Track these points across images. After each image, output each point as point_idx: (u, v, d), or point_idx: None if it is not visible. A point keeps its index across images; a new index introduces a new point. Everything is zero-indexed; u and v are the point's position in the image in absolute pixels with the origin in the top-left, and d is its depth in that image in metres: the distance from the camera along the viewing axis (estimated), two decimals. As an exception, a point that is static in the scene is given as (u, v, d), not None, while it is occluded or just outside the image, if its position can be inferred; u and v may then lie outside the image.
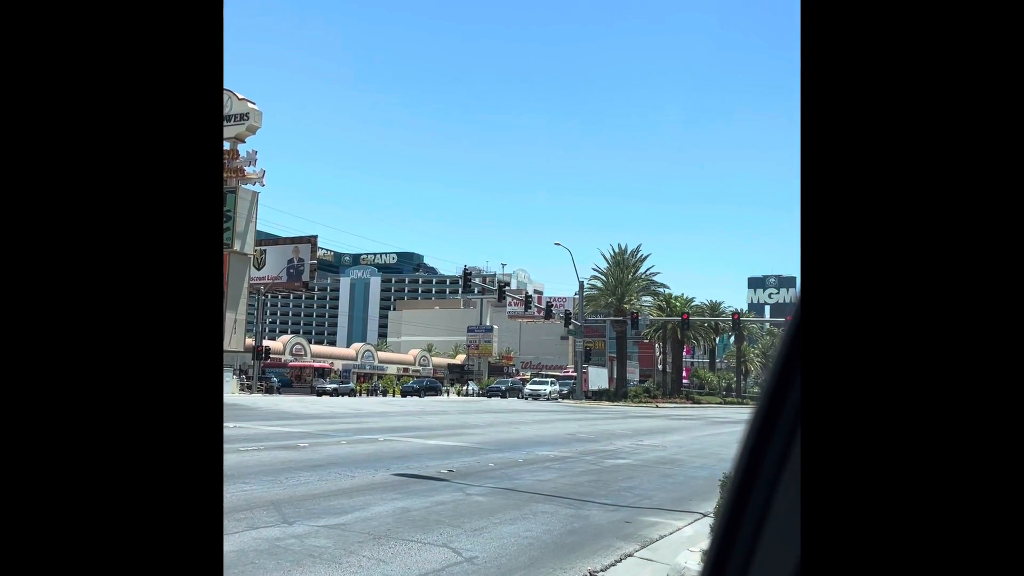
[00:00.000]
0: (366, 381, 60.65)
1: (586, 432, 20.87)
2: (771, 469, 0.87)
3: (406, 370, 76.39)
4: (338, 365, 63.02)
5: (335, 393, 49.41)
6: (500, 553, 6.14)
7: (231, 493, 8.00)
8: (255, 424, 19.17)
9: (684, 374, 69.68)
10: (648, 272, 58.24)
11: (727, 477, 1.28)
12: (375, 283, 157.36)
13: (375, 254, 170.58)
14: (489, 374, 78.72)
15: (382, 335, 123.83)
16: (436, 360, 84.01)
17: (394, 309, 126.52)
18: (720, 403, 58.62)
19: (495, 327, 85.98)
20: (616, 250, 57.69)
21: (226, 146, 42.65)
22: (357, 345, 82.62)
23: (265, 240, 56.49)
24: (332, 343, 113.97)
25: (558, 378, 62.74)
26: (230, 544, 5.83)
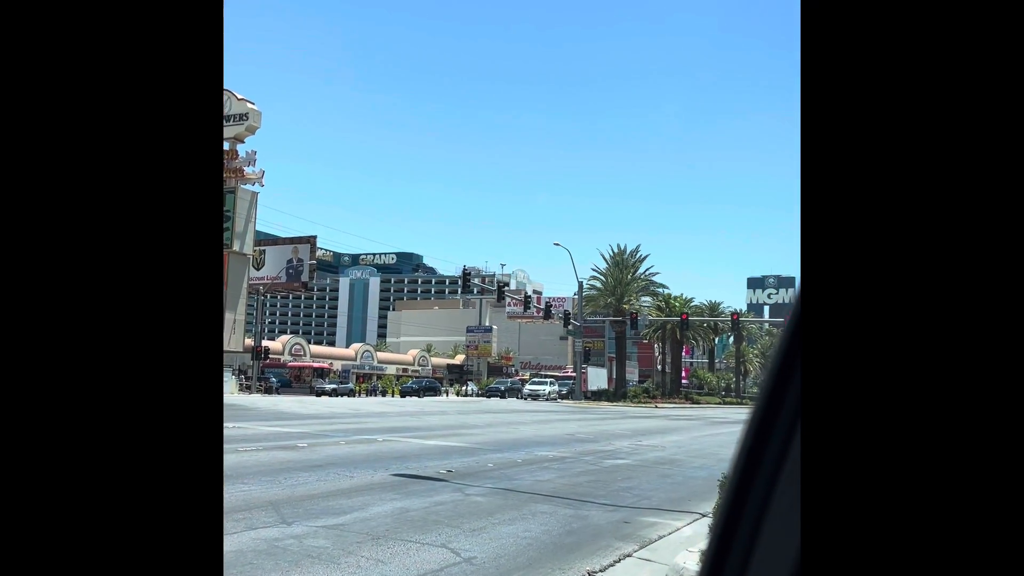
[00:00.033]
0: (365, 381, 60.62)
1: (585, 432, 20.86)
2: (769, 469, 0.87)
3: (405, 370, 76.37)
4: (337, 365, 63.00)
5: (334, 393, 49.38)
6: (499, 553, 6.14)
7: (230, 493, 7.99)
8: (254, 424, 19.16)
9: (683, 374, 69.69)
10: (647, 272, 58.31)
11: (726, 477, 1.28)
12: (374, 283, 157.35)
13: (374, 254, 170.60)
14: (488, 374, 78.70)
15: (381, 335, 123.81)
16: (435, 360, 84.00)
17: (393, 309, 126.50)
18: (719, 403, 58.63)
19: (494, 327, 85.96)
20: (615, 250, 57.74)
21: (225, 146, 42.61)
22: (356, 345, 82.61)
23: (264, 240, 56.47)
24: (331, 343, 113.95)
25: (557, 378, 62.73)
26: (228, 544, 5.82)
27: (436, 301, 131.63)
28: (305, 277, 54.99)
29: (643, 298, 59.25)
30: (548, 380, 59.09)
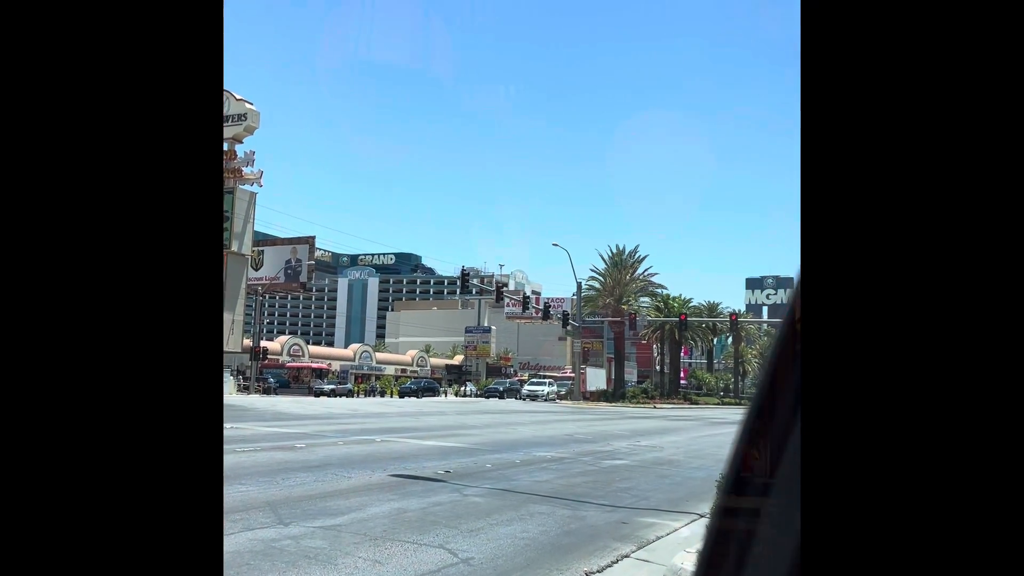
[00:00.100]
0: (364, 382, 60.60)
1: (583, 433, 20.87)
2: (764, 468, 0.86)
3: (404, 371, 76.36)
4: (336, 366, 62.99)
5: (332, 394, 49.37)
6: (497, 554, 6.13)
7: (227, 494, 7.97)
8: (252, 425, 19.15)
9: (682, 375, 69.73)
10: (646, 273, 58.35)
11: (723, 477, 1.28)
12: (373, 284, 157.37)
13: (373, 255, 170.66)
14: (487, 375, 78.70)
15: (380, 336, 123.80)
16: (434, 361, 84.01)
17: (392, 310, 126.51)
18: (718, 404, 58.69)
19: (493, 328, 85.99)
20: (614, 251, 57.77)
21: (224, 146, 42.57)
22: (355, 346, 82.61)
23: (263, 241, 56.46)
24: (330, 344, 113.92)
25: (556, 379, 62.76)
26: (226, 545, 5.81)
27: (435, 302, 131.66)
28: (304, 277, 54.98)
29: (642, 299, 59.31)
30: (547, 381, 59.11)
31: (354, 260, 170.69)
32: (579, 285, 54.03)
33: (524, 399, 52.26)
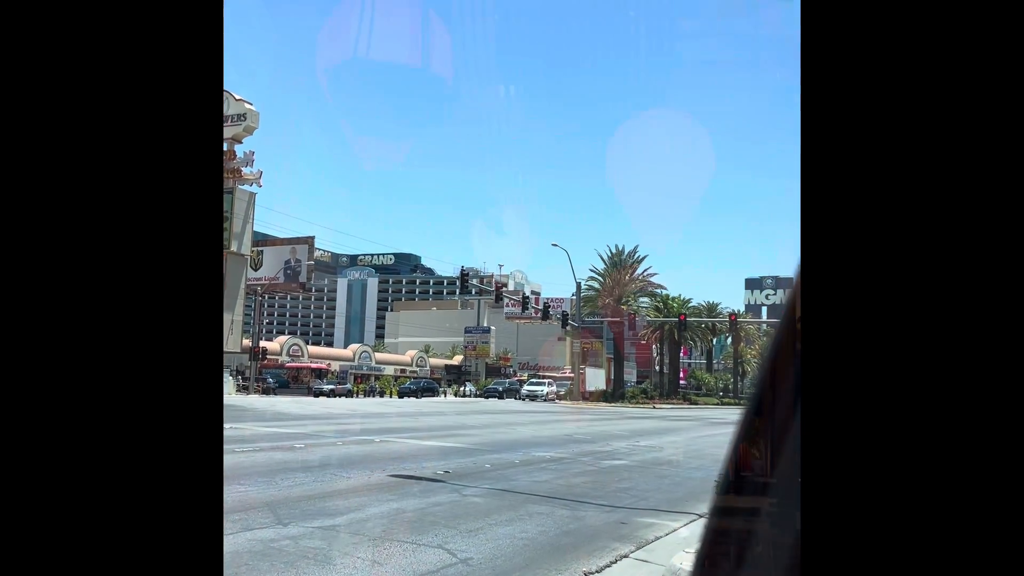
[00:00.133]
0: (363, 382, 60.59)
1: (583, 433, 20.87)
2: (761, 467, 0.86)
3: (403, 371, 76.34)
4: (335, 366, 62.96)
5: (332, 394, 49.35)
6: (495, 554, 6.13)
7: (226, 494, 7.96)
8: (251, 425, 19.14)
9: (681, 375, 69.73)
10: (645, 273, 58.37)
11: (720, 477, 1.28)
12: (372, 284, 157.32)
13: (372, 255, 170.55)
14: (486, 375, 78.67)
15: (379, 336, 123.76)
16: (433, 361, 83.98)
17: (391, 310, 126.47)
18: (717, 404, 58.69)
19: (492, 328, 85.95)
20: (613, 251, 57.78)
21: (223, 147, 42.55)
22: (354, 346, 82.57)
23: (262, 241, 56.42)
24: (329, 344, 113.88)
25: (555, 379, 62.74)
26: (224, 545, 5.80)
27: (434, 302, 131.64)
28: (303, 278, 54.95)
29: (641, 299, 59.32)
30: (546, 381, 59.09)
31: (353, 260, 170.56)
32: (578, 285, 54.06)
33: (523, 399, 52.22)
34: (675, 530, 7.37)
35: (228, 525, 6.60)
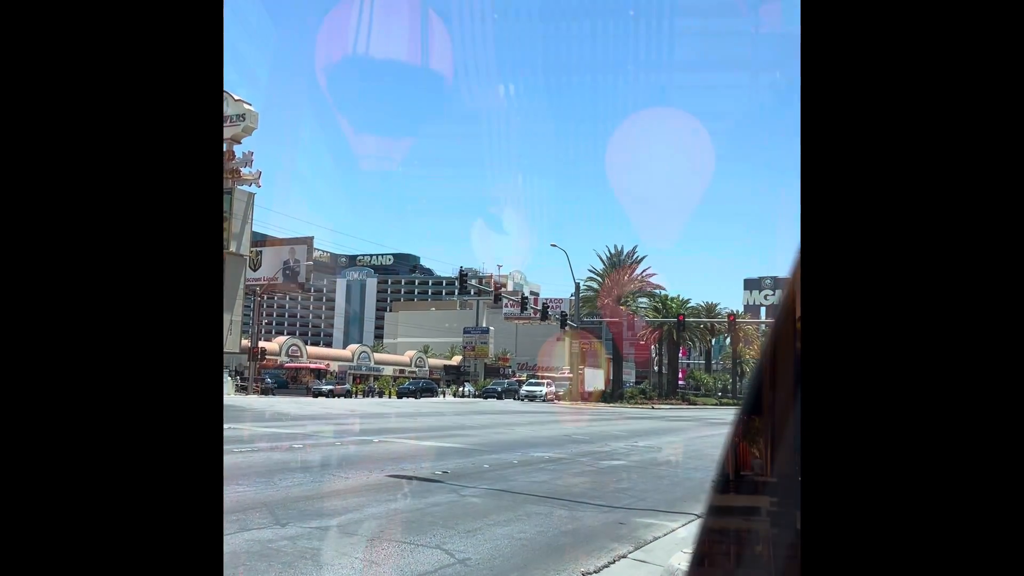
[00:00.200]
0: (362, 382, 60.59)
1: (581, 434, 20.87)
2: (758, 466, 0.86)
3: (402, 371, 76.33)
4: (334, 366, 62.93)
5: (331, 394, 49.33)
6: (494, 555, 6.13)
7: (224, 495, 7.96)
8: (250, 425, 19.13)
9: (680, 375, 69.75)
10: (644, 273, 58.40)
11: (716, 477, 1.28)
12: (371, 284, 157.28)
13: (371, 255, 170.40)
14: (485, 375, 78.64)
15: (378, 336, 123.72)
16: (432, 361, 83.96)
17: (390, 310, 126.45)
18: (716, 404, 58.70)
19: (491, 328, 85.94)
20: (612, 251, 57.81)
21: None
22: (353, 346, 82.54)
23: (261, 241, 56.38)
24: (328, 344, 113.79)
25: (554, 379, 62.71)
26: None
27: (433, 302, 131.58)
28: (302, 278, 54.96)
29: (640, 299, 59.37)
30: (545, 381, 59.06)
31: (352, 260, 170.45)
32: (577, 286, 54.06)
33: (522, 399, 52.20)
34: (673, 530, 7.37)
35: (226, 526, 6.59)
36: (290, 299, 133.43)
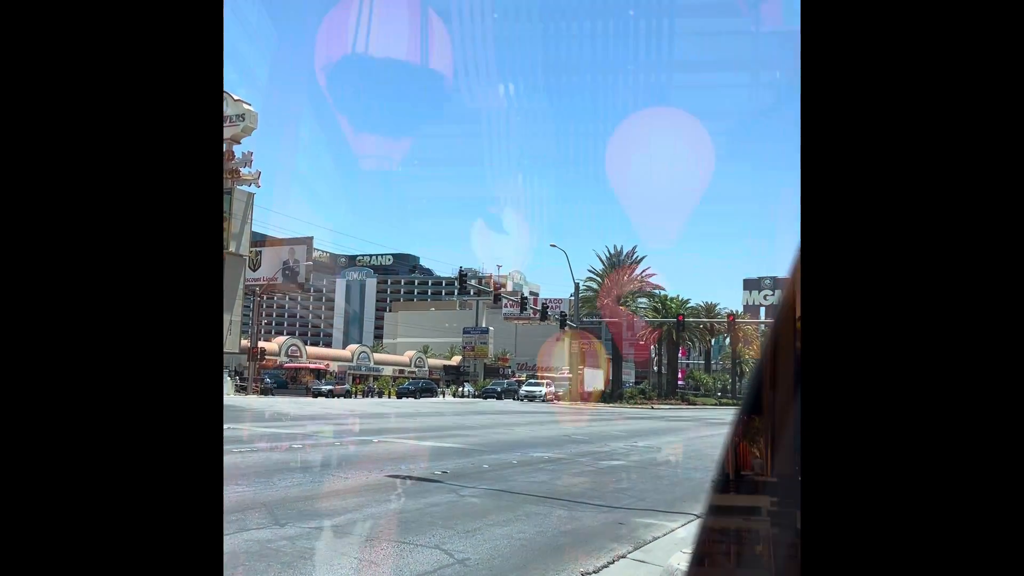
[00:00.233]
0: (362, 382, 60.60)
1: (581, 434, 20.87)
2: (758, 466, 0.86)
3: (402, 371, 76.34)
4: (334, 366, 62.94)
5: (330, 395, 49.33)
6: (493, 555, 6.13)
7: (223, 495, 7.96)
8: (249, 425, 19.13)
9: (680, 376, 69.78)
10: (644, 274, 58.42)
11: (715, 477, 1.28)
12: (371, 284, 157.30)
13: (371, 255, 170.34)
14: (485, 375, 78.66)
15: (378, 336, 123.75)
16: (432, 362, 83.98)
17: (390, 311, 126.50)
18: (715, 404, 58.73)
19: (491, 329, 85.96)
20: (611, 252, 57.81)
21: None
22: (353, 346, 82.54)
23: (260, 241, 56.36)
24: (328, 344, 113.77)
25: (554, 379, 62.72)
26: (222, 546, 5.80)
27: (433, 302, 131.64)
28: (301, 278, 54.96)
29: (639, 299, 59.40)
30: (544, 381, 59.07)
31: (352, 260, 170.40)
32: (577, 286, 54.07)
33: (522, 400, 52.19)
34: (673, 530, 7.37)
35: (226, 526, 6.59)
36: (290, 299, 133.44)
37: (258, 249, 53.89)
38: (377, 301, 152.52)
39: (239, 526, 6.70)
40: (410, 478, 10.25)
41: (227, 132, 43.08)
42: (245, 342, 49.81)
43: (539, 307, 59.08)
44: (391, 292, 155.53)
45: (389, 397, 54.05)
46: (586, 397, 51.91)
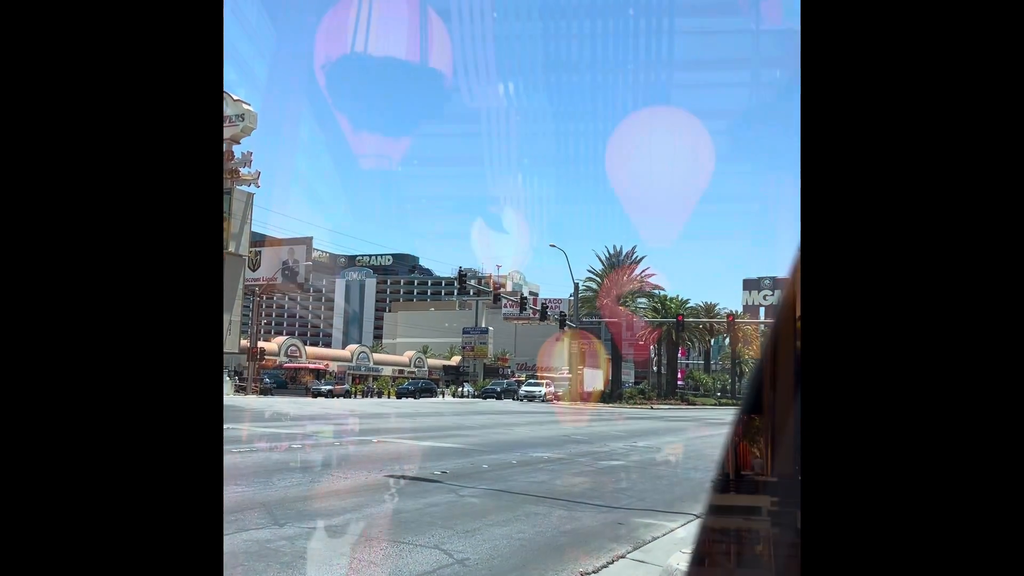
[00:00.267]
0: (361, 382, 60.60)
1: (580, 434, 20.87)
2: (758, 466, 0.86)
3: (401, 371, 76.34)
4: (333, 366, 62.94)
5: (330, 395, 49.33)
6: (492, 555, 6.13)
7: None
8: (249, 425, 19.13)
9: (679, 376, 69.79)
10: (643, 274, 58.43)
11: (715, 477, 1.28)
12: (370, 284, 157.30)
13: (370, 255, 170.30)
14: (484, 375, 78.68)
15: (377, 336, 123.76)
16: (431, 362, 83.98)
17: (389, 311, 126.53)
18: (715, 405, 58.74)
19: (490, 329, 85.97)
20: (611, 252, 57.82)
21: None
22: (352, 347, 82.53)
23: (260, 241, 56.34)
24: (327, 345, 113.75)
25: (553, 380, 62.73)
26: (222, 546, 5.79)
27: (432, 303, 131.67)
28: (301, 278, 54.96)
29: (639, 299, 59.41)
30: (544, 381, 59.07)
31: (352, 260, 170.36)
32: (576, 286, 54.09)
33: (521, 400, 52.19)
34: (672, 530, 7.37)
35: (225, 526, 6.59)
36: (289, 299, 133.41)
37: (258, 249, 53.87)
38: (377, 301, 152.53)
39: (238, 526, 6.70)
40: (409, 478, 10.25)
41: (227, 132, 43.06)
42: (245, 342, 49.79)
43: (539, 307, 59.07)
44: (391, 292, 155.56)
45: (388, 397, 54.06)
46: (586, 397, 51.91)
